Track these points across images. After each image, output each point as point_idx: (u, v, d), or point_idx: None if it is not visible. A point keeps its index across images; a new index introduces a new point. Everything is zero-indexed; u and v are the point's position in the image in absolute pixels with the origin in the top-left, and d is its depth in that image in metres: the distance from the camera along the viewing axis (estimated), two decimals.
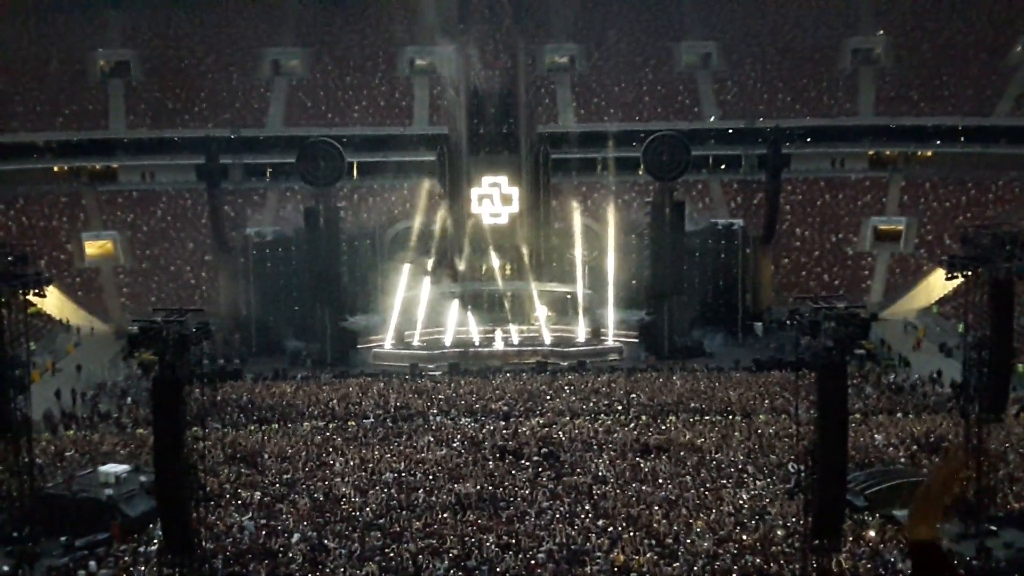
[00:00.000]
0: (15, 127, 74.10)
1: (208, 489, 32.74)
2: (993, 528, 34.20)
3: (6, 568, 31.41)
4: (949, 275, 38.34)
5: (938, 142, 75.31)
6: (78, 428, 48.13)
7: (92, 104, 76.87)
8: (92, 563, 31.50)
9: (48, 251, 66.51)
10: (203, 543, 29.41)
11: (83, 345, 62.17)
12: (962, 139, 74.78)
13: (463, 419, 47.94)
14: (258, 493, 38.25)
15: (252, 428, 47.04)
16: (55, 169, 74.85)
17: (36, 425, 39.31)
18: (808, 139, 75.94)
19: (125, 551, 32.50)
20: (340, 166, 62.18)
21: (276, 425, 47.64)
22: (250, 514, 36.19)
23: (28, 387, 35.38)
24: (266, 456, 42.56)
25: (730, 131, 76.21)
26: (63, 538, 33.13)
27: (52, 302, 58.11)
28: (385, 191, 73.23)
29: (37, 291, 37.44)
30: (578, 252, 63.37)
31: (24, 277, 35.58)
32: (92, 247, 70.83)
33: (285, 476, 40.24)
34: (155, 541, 31.72)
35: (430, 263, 62.79)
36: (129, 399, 52.07)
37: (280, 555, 33.11)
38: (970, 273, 36.17)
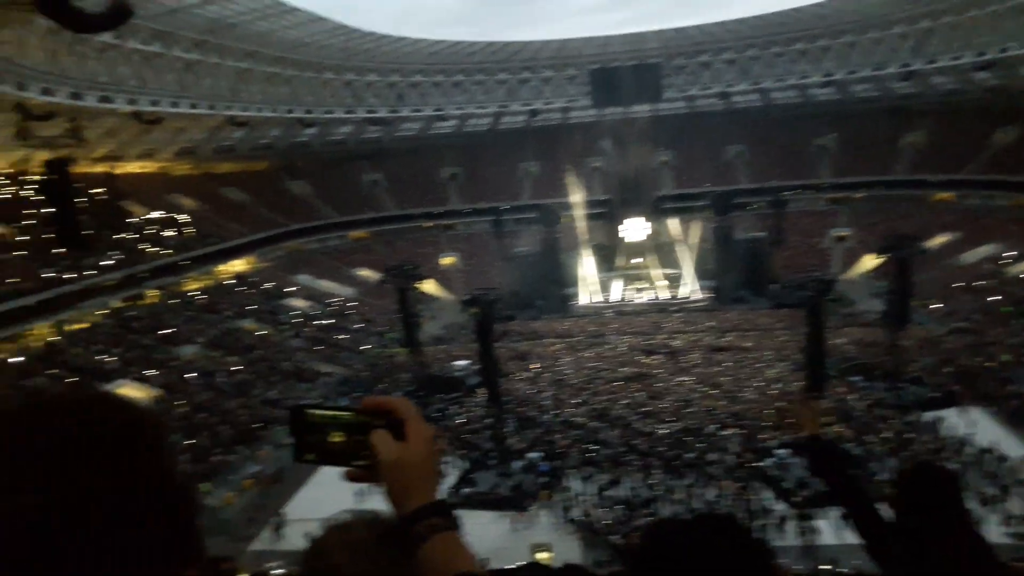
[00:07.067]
0: (427, 205, 77.05)
1: (503, 372, 33.76)
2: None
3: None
4: (877, 257, 35.91)
5: (862, 192, 68.37)
6: (444, 344, 50.23)
7: (441, 193, 79.22)
8: (452, 407, 32.85)
9: (426, 262, 67.32)
10: (502, 397, 30.32)
11: (443, 307, 64.31)
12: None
13: (624, 336, 47.55)
14: (526, 373, 39.07)
15: (522, 342, 48.00)
16: (423, 225, 76.69)
17: (426, 343, 41.19)
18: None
19: (469, 402, 33.71)
20: (557, 216, 62.38)
21: (533, 341, 48.42)
22: (523, 384, 37.04)
23: (421, 326, 37.42)
24: (529, 356, 43.41)
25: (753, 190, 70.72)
26: (438, 395, 34.67)
27: (428, 287, 60.59)
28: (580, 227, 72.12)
29: (421, 281, 39.75)
30: (685, 250, 61.17)
31: (416, 275, 37.70)
32: (445, 260, 72.81)
33: (539, 364, 40.98)
34: (481, 395, 33.01)
35: (598, 259, 62.37)
36: (465, 330, 53.62)
37: (538, 402, 33.75)
38: (887, 256, 34.01)
